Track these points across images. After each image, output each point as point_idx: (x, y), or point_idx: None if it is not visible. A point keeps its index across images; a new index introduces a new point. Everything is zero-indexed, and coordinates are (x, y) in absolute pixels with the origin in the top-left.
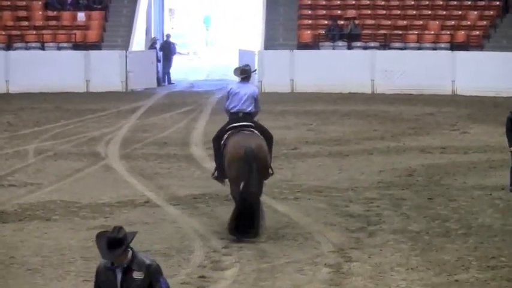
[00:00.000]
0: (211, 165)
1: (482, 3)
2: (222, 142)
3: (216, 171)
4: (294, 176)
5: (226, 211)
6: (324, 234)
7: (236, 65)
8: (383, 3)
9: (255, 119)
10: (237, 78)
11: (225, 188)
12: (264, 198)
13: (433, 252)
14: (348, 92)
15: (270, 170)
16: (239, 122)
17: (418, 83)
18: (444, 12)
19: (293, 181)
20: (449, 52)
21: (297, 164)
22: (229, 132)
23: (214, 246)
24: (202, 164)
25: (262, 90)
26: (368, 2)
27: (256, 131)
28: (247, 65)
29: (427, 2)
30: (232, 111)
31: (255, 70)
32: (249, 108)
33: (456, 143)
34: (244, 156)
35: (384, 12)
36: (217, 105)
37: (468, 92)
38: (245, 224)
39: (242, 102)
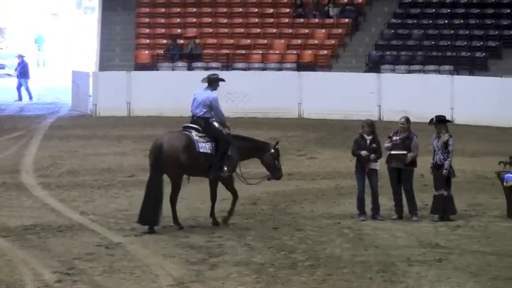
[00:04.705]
0: (42, 193)
1: (331, 21)
2: None
3: None
4: (131, 206)
5: (59, 243)
6: (163, 266)
7: (69, 87)
8: (225, 21)
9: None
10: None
11: (58, 219)
12: (99, 229)
13: (279, 285)
14: (189, 115)
15: (224, 168)
16: (189, 124)
17: (263, 105)
18: (290, 31)
19: (130, 211)
20: (295, 73)
21: (135, 192)
22: None
23: (46, 281)
24: (34, 192)
25: (97, 115)
26: (210, 20)
27: (195, 132)
28: (214, 74)
29: (272, 20)
30: (191, 114)
31: (222, 79)
32: (202, 113)
33: (303, 169)
34: (153, 150)
35: (226, 30)
36: (50, 131)
37: (316, 115)
38: (149, 214)
39: (196, 106)
